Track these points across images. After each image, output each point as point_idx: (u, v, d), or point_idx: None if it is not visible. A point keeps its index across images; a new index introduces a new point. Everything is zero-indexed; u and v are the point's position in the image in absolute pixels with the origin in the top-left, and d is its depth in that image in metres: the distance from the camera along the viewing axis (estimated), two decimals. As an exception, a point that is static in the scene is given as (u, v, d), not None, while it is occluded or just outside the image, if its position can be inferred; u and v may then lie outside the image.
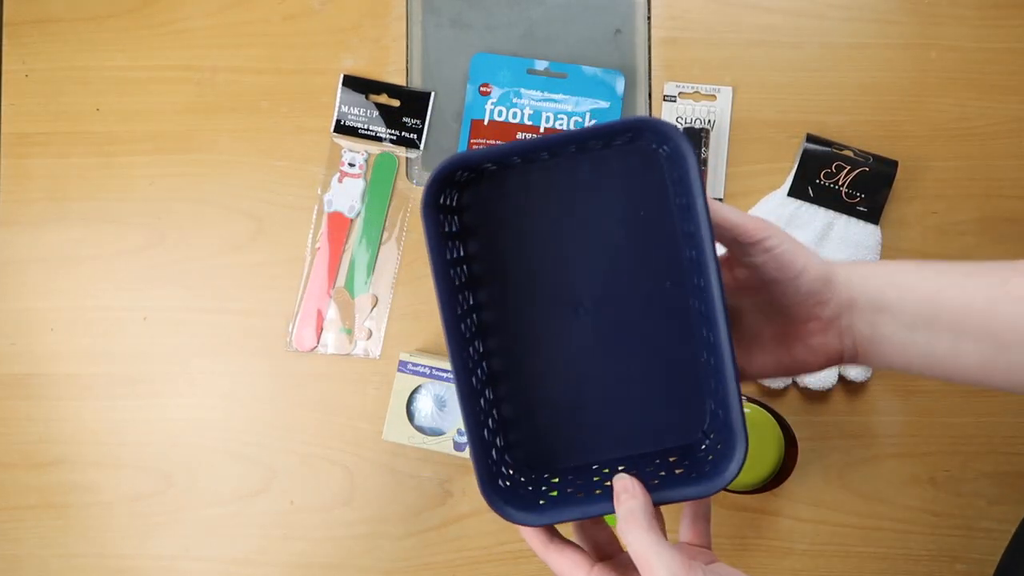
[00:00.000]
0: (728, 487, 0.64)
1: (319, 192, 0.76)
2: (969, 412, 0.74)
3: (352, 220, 0.76)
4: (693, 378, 0.50)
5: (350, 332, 0.75)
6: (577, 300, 0.50)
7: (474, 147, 0.75)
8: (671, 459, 0.49)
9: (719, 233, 0.46)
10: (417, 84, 0.77)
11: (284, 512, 0.75)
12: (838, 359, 0.50)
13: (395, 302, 0.75)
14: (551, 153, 0.48)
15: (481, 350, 0.50)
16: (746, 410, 0.64)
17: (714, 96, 0.76)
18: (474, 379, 0.47)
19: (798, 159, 0.74)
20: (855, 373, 0.72)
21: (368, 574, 0.74)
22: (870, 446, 0.74)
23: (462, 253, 0.50)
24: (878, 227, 0.73)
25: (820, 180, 0.73)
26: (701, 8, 0.77)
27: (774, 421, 0.65)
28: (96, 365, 0.76)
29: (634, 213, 0.49)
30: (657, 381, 0.50)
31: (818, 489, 0.74)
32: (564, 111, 0.76)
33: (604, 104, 0.76)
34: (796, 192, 0.73)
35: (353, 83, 0.76)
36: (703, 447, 0.49)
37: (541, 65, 0.76)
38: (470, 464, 0.74)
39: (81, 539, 0.75)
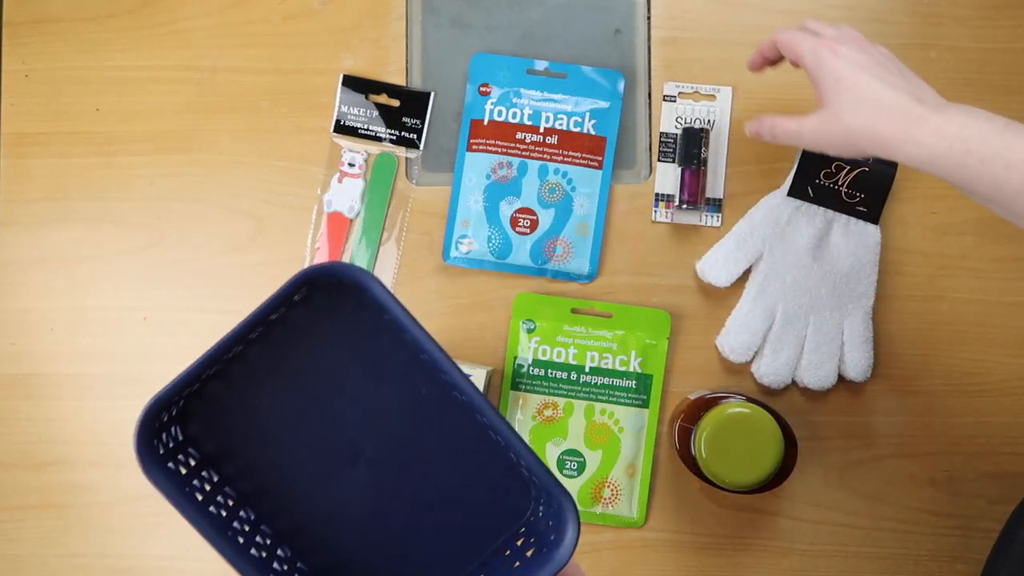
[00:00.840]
0: (728, 487, 0.64)
1: (319, 192, 0.76)
2: (969, 412, 0.74)
3: (352, 220, 0.76)
4: (500, 459, 0.49)
5: (350, 332, 0.75)
6: (355, 452, 0.50)
7: (475, 147, 0.76)
8: (519, 542, 0.48)
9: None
10: (417, 84, 0.77)
11: (284, 512, 0.75)
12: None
13: (395, 302, 0.75)
14: (244, 344, 0.47)
15: (288, 554, 0.49)
16: (745, 410, 0.64)
17: (714, 96, 0.76)
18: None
19: (798, 159, 0.74)
20: (855, 374, 0.72)
21: (368, 574, 0.74)
22: (870, 446, 0.74)
23: (217, 477, 0.49)
24: (878, 227, 0.73)
25: (820, 180, 0.73)
26: (701, 8, 0.77)
27: (774, 421, 0.65)
28: (96, 365, 0.76)
29: (357, 349, 0.50)
30: (472, 480, 0.50)
31: (818, 489, 0.74)
32: (564, 111, 0.76)
33: (604, 104, 0.76)
34: (796, 192, 0.73)
35: (353, 83, 0.76)
36: (541, 515, 0.48)
37: (541, 65, 0.76)
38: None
39: (81, 539, 0.75)
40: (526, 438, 0.73)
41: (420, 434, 0.50)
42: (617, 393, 0.74)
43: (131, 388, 0.76)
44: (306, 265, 0.75)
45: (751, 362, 0.73)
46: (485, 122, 0.76)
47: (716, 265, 0.73)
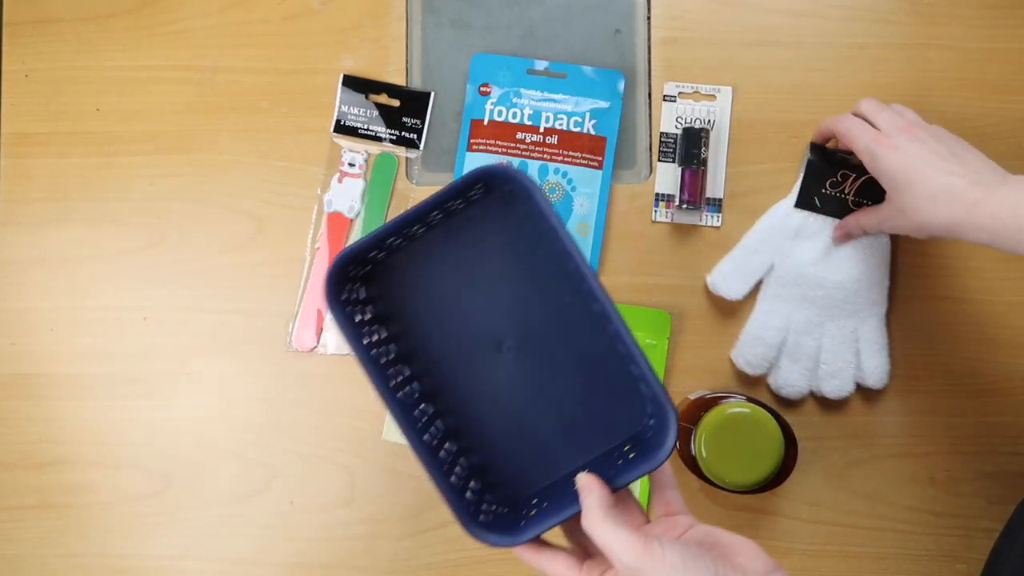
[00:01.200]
0: (728, 487, 0.64)
1: (319, 192, 0.76)
2: (969, 412, 0.74)
3: (352, 220, 0.76)
4: (623, 372, 0.54)
5: (350, 332, 0.75)
6: (499, 341, 0.56)
7: (475, 147, 0.76)
8: (625, 448, 0.53)
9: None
10: (417, 84, 0.77)
11: (284, 512, 0.75)
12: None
13: (395, 302, 0.76)
14: (424, 224, 0.54)
15: (430, 412, 0.55)
16: (745, 410, 0.64)
17: (714, 96, 0.76)
18: (427, 436, 0.53)
19: (803, 171, 0.74)
20: (872, 381, 0.72)
21: (368, 574, 0.74)
22: (870, 446, 0.74)
23: (384, 336, 0.55)
24: (887, 234, 0.73)
25: (826, 190, 0.73)
26: (701, 8, 0.77)
27: (774, 421, 0.65)
28: (96, 365, 0.76)
29: (517, 249, 0.56)
30: (593, 387, 0.55)
31: (818, 489, 0.74)
32: (564, 111, 0.76)
33: (604, 104, 0.76)
34: (803, 203, 0.73)
35: (353, 83, 0.76)
36: (649, 431, 0.52)
37: (541, 65, 0.76)
38: (470, 464, 0.74)
39: (81, 539, 0.75)
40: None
41: (558, 337, 0.55)
42: (617, 393, 0.74)
43: (131, 388, 0.76)
44: (306, 265, 0.75)
45: (767, 374, 0.73)
46: (485, 122, 0.76)
47: (727, 278, 0.73)
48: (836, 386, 0.72)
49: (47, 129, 0.77)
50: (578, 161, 0.75)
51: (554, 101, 0.76)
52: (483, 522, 0.52)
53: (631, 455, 0.51)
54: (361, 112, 0.76)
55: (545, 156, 0.75)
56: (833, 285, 0.72)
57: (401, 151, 0.77)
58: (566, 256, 0.50)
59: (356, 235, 0.76)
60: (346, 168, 0.76)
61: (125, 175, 0.77)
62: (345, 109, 0.76)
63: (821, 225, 0.73)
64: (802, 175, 0.74)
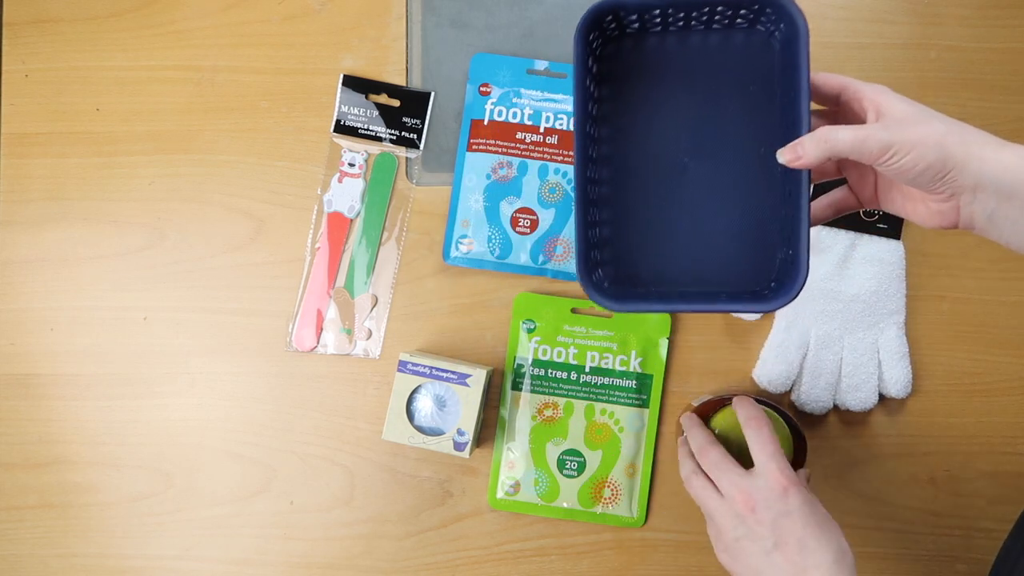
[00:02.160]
0: None
1: (319, 192, 0.76)
2: (969, 412, 0.74)
3: (352, 220, 0.76)
4: (771, 234, 0.57)
5: (350, 332, 0.75)
6: (683, 151, 0.59)
7: (474, 147, 0.76)
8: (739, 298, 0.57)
9: (839, 156, 0.50)
10: (417, 84, 0.77)
11: (284, 512, 0.75)
12: (953, 227, 0.52)
13: (395, 302, 0.76)
14: (685, 21, 0.57)
15: (595, 176, 0.58)
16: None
17: (714, 96, 0.76)
18: (588, 186, 0.56)
19: (810, 187, 0.72)
20: (895, 391, 0.72)
21: (368, 574, 0.74)
22: (870, 446, 0.74)
23: (595, 93, 0.58)
24: (900, 242, 0.73)
25: None
26: (701, 8, 0.77)
27: (783, 421, 0.66)
28: (96, 365, 0.76)
29: (744, 87, 0.58)
30: (740, 233, 0.58)
31: (818, 489, 0.74)
32: (564, 111, 0.76)
33: (604, 104, 0.76)
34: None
35: (353, 83, 0.76)
36: (769, 292, 0.56)
37: (541, 65, 0.76)
38: (470, 464, 0.74)
39: (81, 539, 0.75)
40: (526, 439, 0.74)
41: (734, 180, 0.58)
42: (617, 393, 0.74)
43: (131, 388, 0.76)
44: (306, 265, 0.75)
45: (790, 391, 0.73)
46: (485, 122, 0.76)
47: None
48: (860, 399, 0.71)
49: (47, 129, 0.77)
50: (578, 161, 0.75)
51: (554, 101, 0.76)
52: (595, 281, 0.56)
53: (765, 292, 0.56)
54: (361, 112, 0.76)
55: (545, 156, 0.75)
56: (850, 298, 0.72)
57: (401, 151, 0.77)
58: (790, 113, 0.53)
59: (356, 235, 0.76)
60: (346, 168, 0.76)
61: (125, 175, 0.77)
62: (345, 109, 0.76)
63: (835, 238, 0.73)
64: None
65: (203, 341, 0.76)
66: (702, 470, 0.62)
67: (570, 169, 0.75)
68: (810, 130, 0.50)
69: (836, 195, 0.58)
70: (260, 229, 0.76)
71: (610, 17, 0.56)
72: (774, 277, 0.57)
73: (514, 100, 0.76)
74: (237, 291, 0.76)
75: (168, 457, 0.75)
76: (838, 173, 0.57)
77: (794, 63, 0.52)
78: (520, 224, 0.75)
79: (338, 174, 0.76)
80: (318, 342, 0.75)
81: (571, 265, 0.75)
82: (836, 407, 0.73)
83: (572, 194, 0.75)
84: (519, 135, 0.75)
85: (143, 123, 0.77)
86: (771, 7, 0.54)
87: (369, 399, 0.75)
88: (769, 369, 0.72)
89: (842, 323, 0.72)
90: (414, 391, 0.69)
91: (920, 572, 0.73)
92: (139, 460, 0.75)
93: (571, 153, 0.75)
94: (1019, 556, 0.62)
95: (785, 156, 0.51)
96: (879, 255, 0.73)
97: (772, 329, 0.73)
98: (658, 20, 0.56)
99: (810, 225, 0.53)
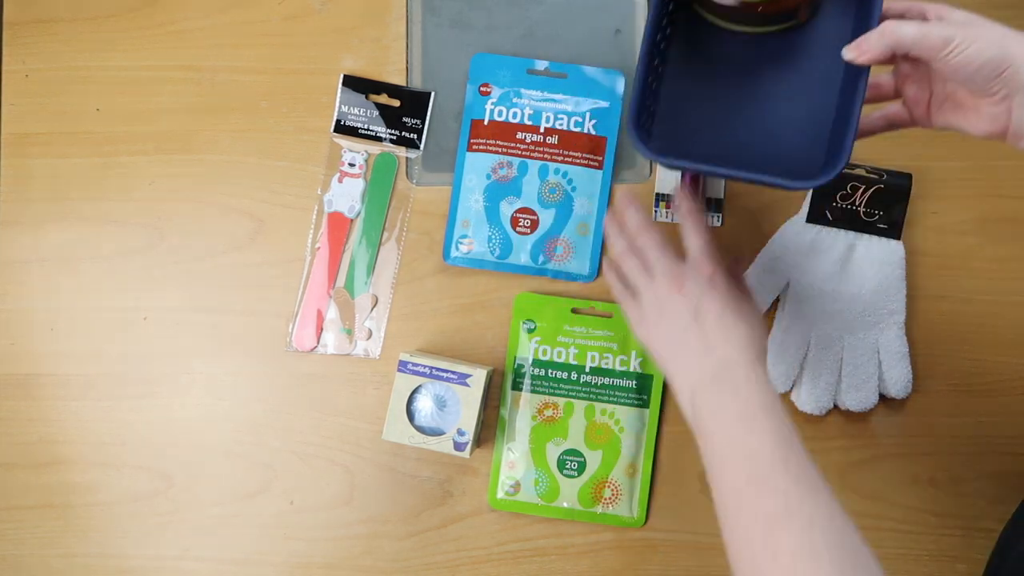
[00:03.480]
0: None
1: (319, 192, 0.76)
2: (969, 412, 0.74)
3: (352, 220, 0.76)
4: (822, 130, 0.60)
5: (350, 332, 0.75)
6: (752, 49, 0.62)
7: (475, 147, 0.76)
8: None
9: (902, 50, 0.52)
10: (417, 84, 0.77)
11: (284, 512, 0.75)
12: (1003, 133, 0.53)
13: (395, 302, 0.76)
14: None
15: (663, 46, 0.61)
16: None
17: (714, 96, 0.76)
18: (655, 51, 0.59)
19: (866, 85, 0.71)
20: (895, 391, 0.72)
21: (368, 574, 0.74)
22: (870, 446, 0.74)
23: (666, 44, 0.61)
24: (900, 242, 0.73)
25: (836, 203, 0.73)
26: (701, 8, 0.76)
27: None
28: (96, 365, 0.76)
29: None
30: (793, 126, 0.60)
31: (818, 489, 0.73)
32: (564, 111, 0.76)
33: (604, 104, 0.76)
34: (814, 217, 0.73)
35: (353, 83, 0.76)
36: (808, 172, 0.58)
37: (541, 65, 0.76)
38: (470, 464, 0.74)
39: (81, 539, 0.75)
40: (526, 438, 0.74)
41: (800, 70, 0.61)
42: (617, 393, 0.74)
43: (131, 388, 0.76)
44: (306, 265, 0.75)
45: (790, 391, 0.73)
46: (485, 122, 0.76)
47: None
48: (860, 399, 0.71)
49: (47, 129, 0.77)
50: (578, 161, 0.75)
51: (554, 101, 0.76)
52: (642, 131, 0.58)
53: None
54: (361, 112, 0.76)
55: (545, 156, 0.75)
56: (850, 298, 0.72)
57: (401, 151, 0.77)
58: (862, 19, 0.56)
59: (356, 235, 0.76)
60: (346, 168, 0.76)
61: (125, 175, 0.77)
62: (345, 109, 0.76)
63: (835, 238, 0.73)
64: (810, 190, 0.73)
65: (203, 341, 0.76)
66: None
67: (571, 169, 0.75)
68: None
69: (890, 108, 0.59)
70: (260, 229, 0.76)
71: None
72: (820, 166, 0.59)
73: (514, 100, 0.76)
74: (237, 291, 0.76)
75: (168, 457, 0.75)
76: (896, 95, 0.58)
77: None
78: (520, 224, 0.75)
79: (338, 174, 0.76)
80: (318, 342, 0.75)
81: (571, 265, 0.75)
82: (836, 407, 0.73)
83: (572, 194, 0.75)
84: (519, 135, 0.75)
85: (143, 123, 0.77)
86: None
87: (369, 399, 0.75)
88: (769, 370, 0.72)
89: (842, 323, 0.72)
90: (414, 391, 0.69)
91: (920, 572, 0.73)
92: (139, 460, 0.75)
93: (572, 153, 0.75)
94: (1018, 539, 0.62)
95: (850, 52, 0.53)
96: (879, 255, 0.72)
97: (772, 329, 0.73)
98: None
99: (857, 131, 0.54)
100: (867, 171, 0.73)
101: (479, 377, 0.68)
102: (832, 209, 0.73)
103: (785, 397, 0.73)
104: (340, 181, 0.76)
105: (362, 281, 0.76)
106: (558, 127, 0.76)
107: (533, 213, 0.75)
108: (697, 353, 0.58)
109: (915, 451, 0.74)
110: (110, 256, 0.76)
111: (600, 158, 0.75)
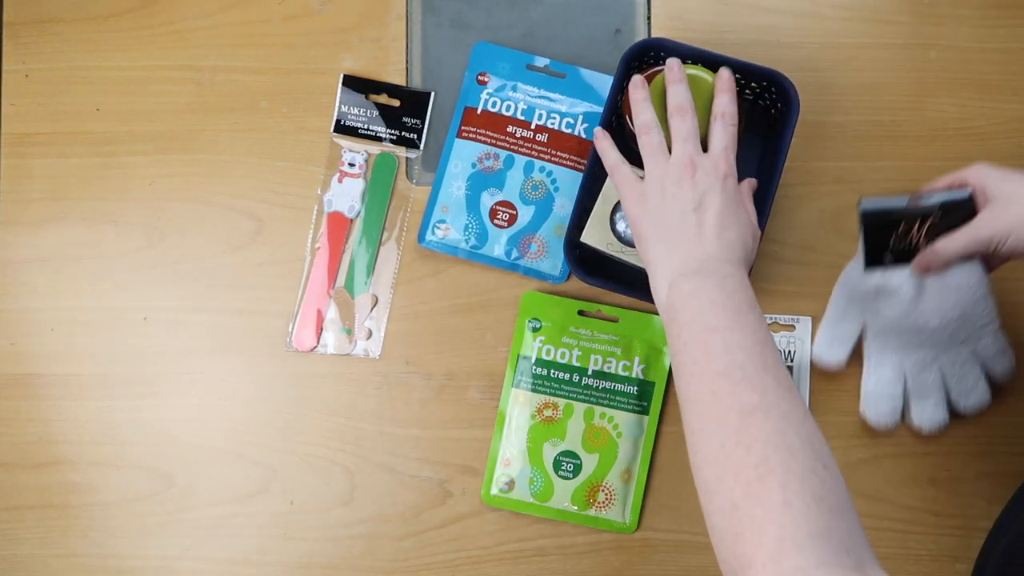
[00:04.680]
0: None
1: (319, 192, 0.76)
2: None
3: (352, 220, 0.76)
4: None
5: (350, 332, 0.75)
6: None
7: (464, 135, 0.75)
8: None
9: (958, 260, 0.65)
10: (417, 84, 0.77)
11: (284, 512, 0.75)
12: None
13: (395, 302, 0.76)
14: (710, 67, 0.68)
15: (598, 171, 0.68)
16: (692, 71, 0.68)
17: (714, 96, 0.76)
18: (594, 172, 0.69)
19: (861, 231, 0.67)
20: (1002, 374, 0.71)
21: (368, 574, 0.74)
22: (870, 446, 0.74)
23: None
24: (976, 261, 0.66)
25: (893, 243, 0.67)
26: (701, 8, 0.77)
27: (709, 81, 0.67)
28: (96, 365, 0.76)
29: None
30: None
31: (818, 489, 0.73)
32: (558, 111, 0.76)
33: (598, 109, 0.76)
34: (873, 263, 0.68)
35: (353, 83, 0.76)
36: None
37: (541, 62, 0.76)
38: (470, 464, 0.74)
39: (81, 539, 0.75)
40: (524, 437, 0.73)
41: None
42: (618, 398, 0.74)
43: (131, 388, 0.76)
44: (306, 265, 0.75)
45: (904, 420, 0.72)
46: (479, 111, 0.76)
47: (828, 349, 0.71)
48: (975, 400, 0.70)
49: (47, 129, 0.77)
50: (565, 162, 0.75)
51: (549, 100, 0.76)
52: (575, 249, 0.68)
53: None
54: (361, 112, 0.76)
55: (532, 153, 0.75)
56: (934, 330, 0.68)
57: (401, 151, 0.77)
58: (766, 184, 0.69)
59: (356, 235, 0.76)
60: (346, 168, 0.76)
61: (125, 175, 0.77)
62: (345, 109, 0.76)
63: (901, 278, 0.67)
64: (862, 236, 0.68)
65: (203, 341, 0.76)
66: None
67: (556, 169, 0.75)
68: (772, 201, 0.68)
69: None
70: (260, 229, 0.76)
71: (651, 52, 0.70)
72: None
73: (510, 93, 0.76)
74: (237, 291, 0.76)
75: (168, 457, 0.75)
76: None
77: (778, 145, 0.67)
78: (498, 216, 0.75)
79: (338, 174, 0.76)
80: (318, 342, 0.75)
81: (543, 264, 0.75)
82: (954, 415, 0.71)
83: (554, 193, 0.75)
84: (510, 128, 0.75)
85: (143, 123, 0.77)
86: (776, 88, 0.69)
87: (369, 399, 0.75)
88: (875, 409, 0.71)
89: (933, 349, 0.69)
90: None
91: (919, 572, 0.73)
92: (139, 460, 0.75)
93: (560, 154, 0.75)
94: (1009, 526, 0.63)
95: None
96: (956, 282, 0.67)
97: (864, 369, 0.71)
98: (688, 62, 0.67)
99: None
100: (912, 202, 0.67)
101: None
102: (891, 250, 0.67)
103: (902, 427, 0.73)
104: (340, 181, 0.76)
105: (362, 281, 0.76)
106: (549, 126, 0.76)
107: (513, 207, 0.75)
108: (688, 242, 0.59)
109: (915, 451, 0.74)
110: (110, 256, 0.76)
111: (586, 162, 0.75)
